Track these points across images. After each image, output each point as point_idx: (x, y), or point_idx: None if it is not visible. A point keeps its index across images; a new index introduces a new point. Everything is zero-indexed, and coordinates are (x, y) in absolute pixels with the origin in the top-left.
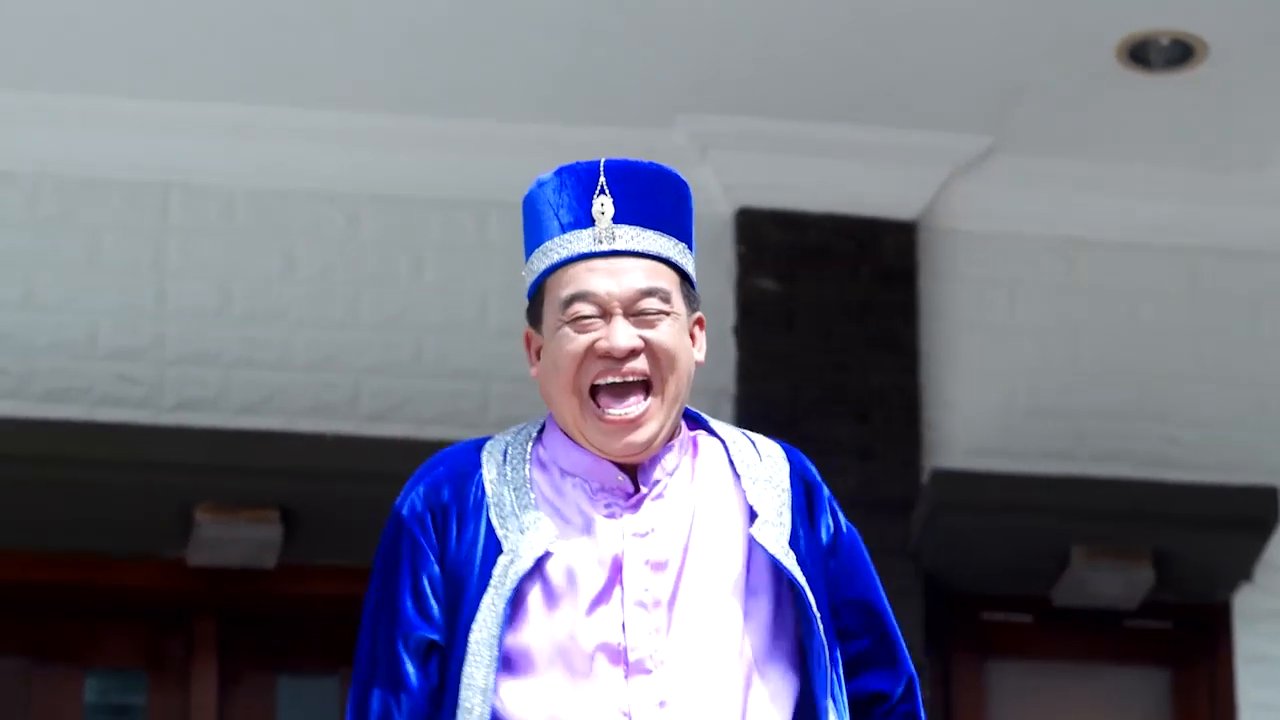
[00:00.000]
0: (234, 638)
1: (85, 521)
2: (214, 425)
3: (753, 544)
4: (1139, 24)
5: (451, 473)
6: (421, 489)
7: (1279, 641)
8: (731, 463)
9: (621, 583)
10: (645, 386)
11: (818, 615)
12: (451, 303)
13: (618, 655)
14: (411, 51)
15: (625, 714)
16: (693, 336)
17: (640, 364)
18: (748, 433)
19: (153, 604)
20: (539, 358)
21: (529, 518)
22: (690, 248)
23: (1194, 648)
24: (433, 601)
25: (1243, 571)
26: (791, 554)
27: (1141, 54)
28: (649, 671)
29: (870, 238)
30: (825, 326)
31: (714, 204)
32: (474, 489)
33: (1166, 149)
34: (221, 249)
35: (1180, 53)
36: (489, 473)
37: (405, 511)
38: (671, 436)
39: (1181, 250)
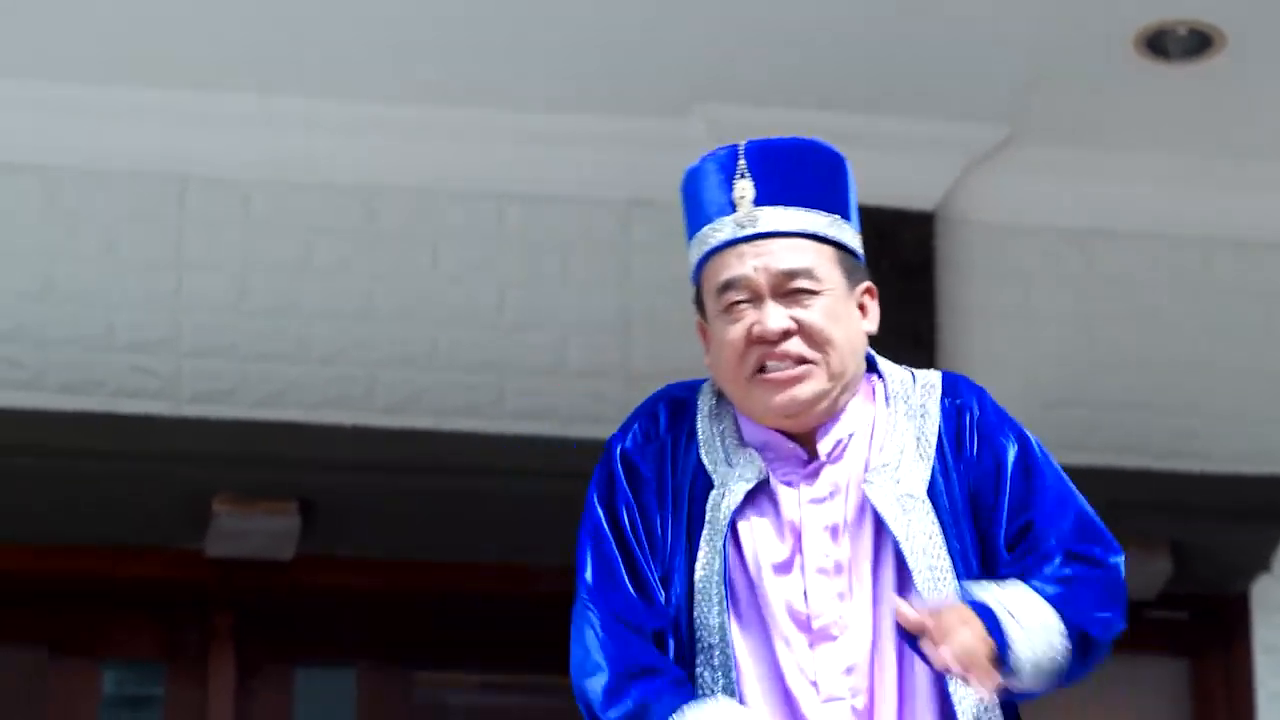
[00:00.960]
0: (251, 629)
1: (102, 513)
2: (231, 417)
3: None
4: (1156, 13)
5: (670, 413)
6: (639, 425)
7: None
8: (887, 400)
9: (801, 550)
10: (802, 362)
11: (914, 566)
12: (468, 295)
13: (803, 623)
14: (428, 43)
15: (813, 683)
16: (863, 308)
17: (795, 345)
18: (912, 369)
19: (170, 595)
20: (709, 346)
21: (737, 455)
22: (846, 217)
23: (1211, 638)
24: (645, 565)
25: (1260, 562)
26: (913, 498)
27: (1159, 44)
28: (834, 638)
29: (888, 229)
30: None
31: None
32: (688, 424)
33: (1184, 139)
34: (238, 241)
35: (1198, 42)
36: (702, 409)
37: (627, 445)
38: (841, 405)
39: (1199, 241)
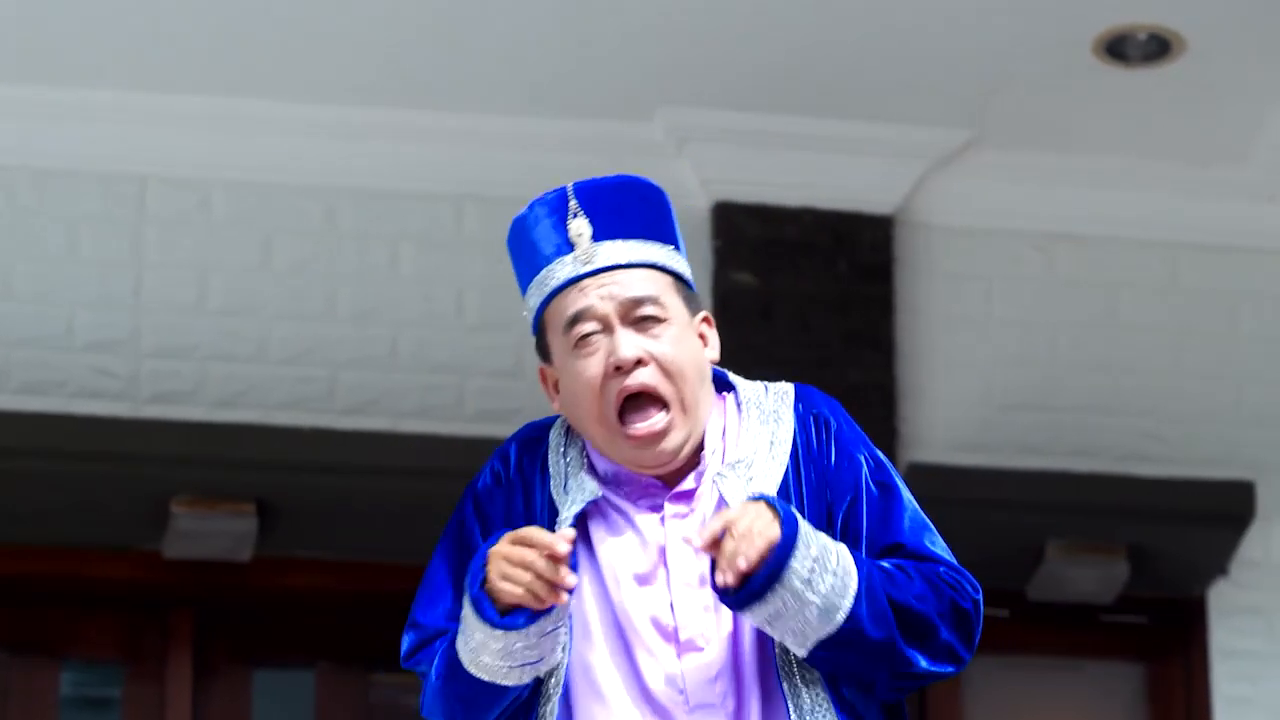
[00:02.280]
0: (210, 630)
1: (61, 514)
2: (190, 418)
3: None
4: (1116, 18)
5: (520, 450)
6: (494, 464)
7: (1254, 636)
8: (740, 408)
9: (666, 565)
10: (660, 401)
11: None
12: (429, 296)
13: (669, 634)
14: (390, 45)
15: (682, 691)
16: (703, 337)
17: (648, 376)
18: (766, 383)
19: (129, 596)
20: (558, 391)
21: (573, 482)
22: (678, 249)
23: (1169, 642)
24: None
25: (1218, 566)
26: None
27: (1119, 48)
28: (700, 649)
29: (848, 232)
30: (802, 321)
31: (691, 198)
32: (539, 461)
33: (1145, 143)
34: (199, 242)
35: (1158, 47)
36: (553, 445)
37: (479, 486)
38: (699, 439)
39: (1160, 245)
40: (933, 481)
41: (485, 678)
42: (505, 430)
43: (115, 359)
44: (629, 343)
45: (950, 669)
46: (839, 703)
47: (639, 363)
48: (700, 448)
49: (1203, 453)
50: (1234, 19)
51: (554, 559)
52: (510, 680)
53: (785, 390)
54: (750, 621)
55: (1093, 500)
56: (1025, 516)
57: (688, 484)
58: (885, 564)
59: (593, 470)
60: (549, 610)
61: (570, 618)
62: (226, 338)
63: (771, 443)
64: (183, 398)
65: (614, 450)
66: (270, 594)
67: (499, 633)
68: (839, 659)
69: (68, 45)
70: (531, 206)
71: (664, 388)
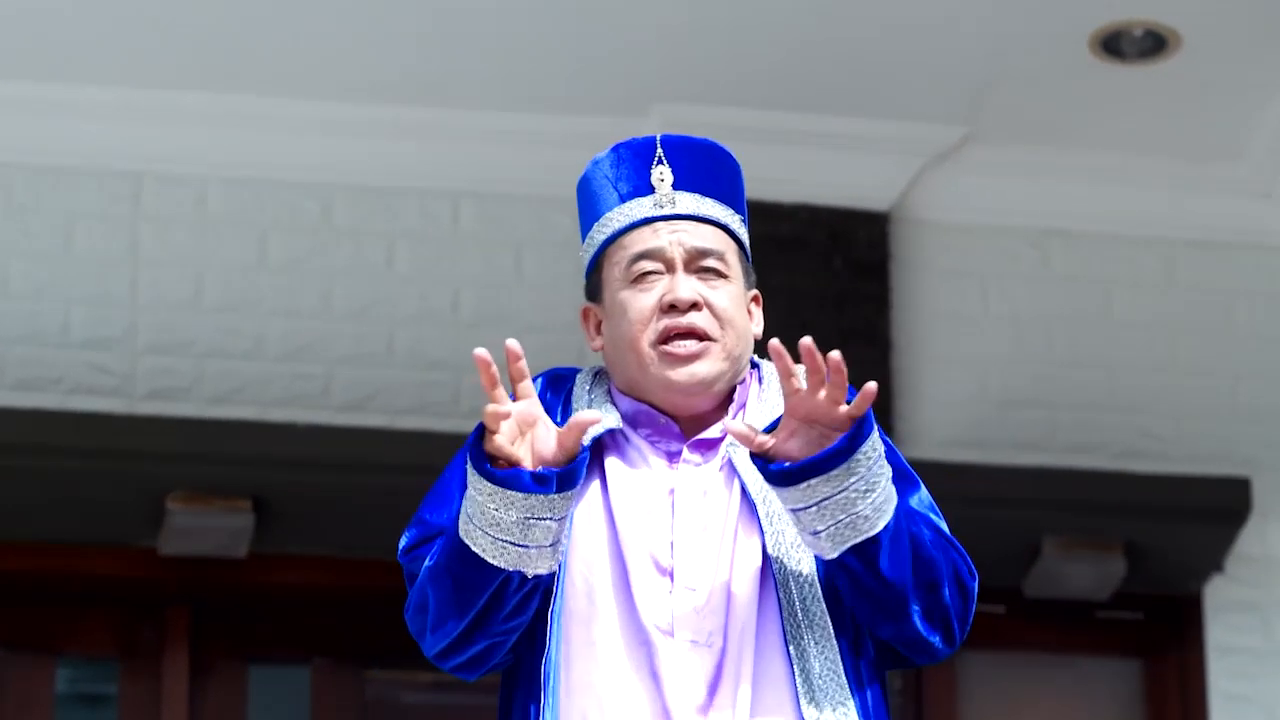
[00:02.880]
0: (205, 627)
1: (57, 510)
2: (186, 415)
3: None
4: (1112, 14)
5: (548, 382)
6: (513, 395)
7: (1249, 633)
8: (760, 382)
9: (674, 508)
10: (704, 339)
11: (767, 529)
12: (424, 293)
13: (665, 571)
14: (386, 41)
15: (671, 625)
16: (749, 313)
17: (702, 319)
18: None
19: (124, 593)
20: (599, 332)
21: (603, 411)
22: (745, 221)
23: (1165, 639)
24: None
25: (1214, 563)
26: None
27: (1115, 45)
28: (693, 590)
29: (843, 228)
30: (798, 317)
31: None
32: (564, 394)
33: (1140, 140)
34: (194, 238)
35: (1153, 43)
36: (578, 389)
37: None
38: (730, 397)
39: (1155, 241)
40: (928, 478)
41: (475, 550)
42: None
43: (111, 355)
44: (687, 286)
45: (939, 640)
46: (851, 672)
47: (694, 306)
48: (728, 403)
49: (1199, 449)
50: (1230, 15)
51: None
52: (498, 559)
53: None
54: (796, 502)
55: (1089, 497)
56: (1021, 513)
57: (712, 432)
58: (911, 509)
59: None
60: (546, 487)
61: (568, 543)
62: (222, 334)
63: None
64: (179, 394)
65: (651, 373)
66: (266, 590)
67: (490, 487)
68: (860, 580)
69: (63, 42)
70: (615, 149)
71: (713, 331)
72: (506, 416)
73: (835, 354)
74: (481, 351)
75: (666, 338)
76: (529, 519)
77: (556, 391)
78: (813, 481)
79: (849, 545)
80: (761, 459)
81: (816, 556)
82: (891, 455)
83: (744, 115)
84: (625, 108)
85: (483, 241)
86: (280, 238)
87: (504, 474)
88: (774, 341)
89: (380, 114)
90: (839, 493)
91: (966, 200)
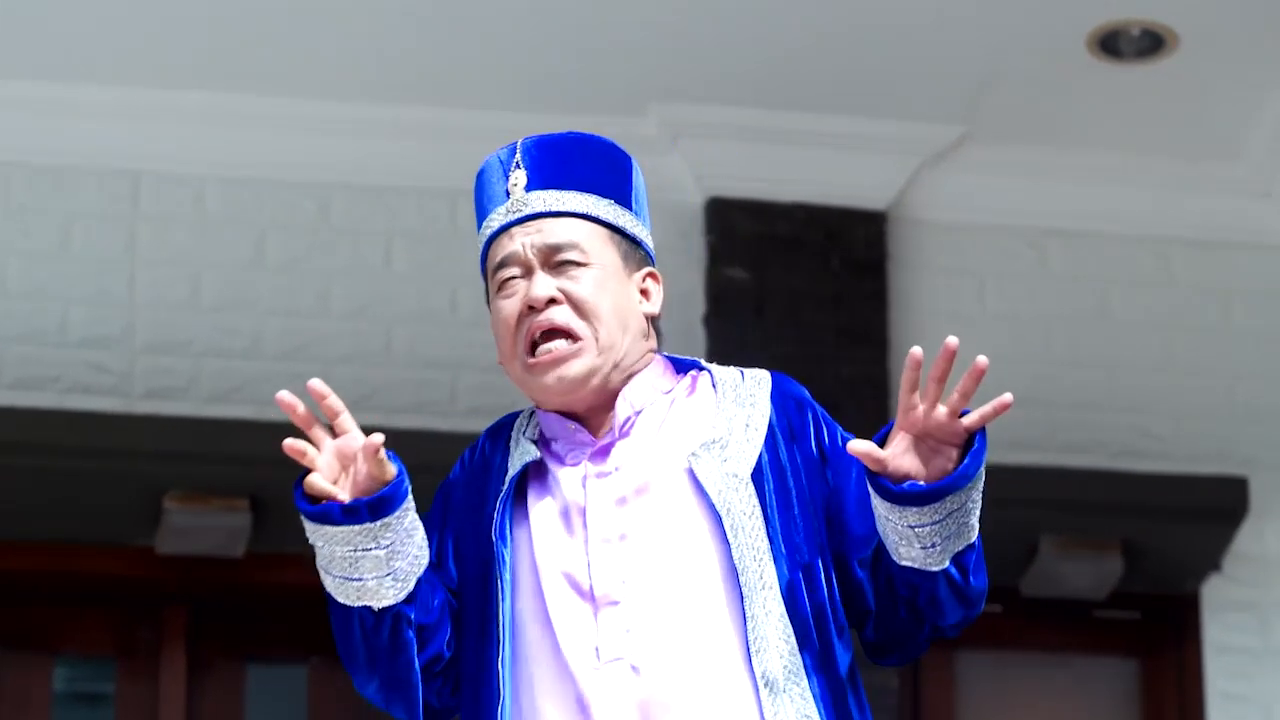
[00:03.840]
0: (203, 626)
1: (55, 509)
2: (184, 414)
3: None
4: (1109, 14)
5: (489, 438)
6: (463, 457)
7: (1247, 632)
8: (714, 388)
9: (585, 523)
10: (569, 335)
11: (733, 541)
12: (422, 292)
13: (585, 593)
14: (383, 40)
15: (595, 648)
16: (645, 293)
17: (561, 314)
18: (742, 369)
19: (122, 592)
20: None
21: (518, 451)
22: (628, 206)
23: (1162, 638)
24: (450, 560)
25: (1211, 562)
26: (737, 478)
27: (1112, 44)
28: (615, 603)
29: (841, 227)
30: (795, 316)
31: (684, 193)
32: (504, 445)
33: (1138, 139)
34: (193, 238)
35: (1151, 42)
36: (517, 428)
37: (450, 478)
38: (625, 380)
39: (1153, 240)
40: None
41: (329, 591)
42: None
43: (109, 355)
44: (543, 283)
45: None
46: (822, 683)
47: (551, 301)
48: (622, 392)
49: (1196, 448)
50: (1227, 15)
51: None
52: (342, 597)
53: (762, 376)
54: (914, 520)
55: (1086, 496)
56: (1018, 512)
57: (605, 440)
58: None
59: (544, 441)
60: (357, 518)
61: (509, 593)
62: (220, 333)
63: (747, 425)
64: (176, 393)
65: (529, 385)
66: (263, 589)
67: (311, 525)
68: (959, 582)
69: (62, 42)
70: (486, 160)
71: (576, 325)
72: (302, 454)
73: (981, 359)
74: (283, 394)
75: (532, 346)
76: (354, 551)
77: (496, 440)
78: (946, 500)
79: (954, 554)
80: (884, 478)
81: (793, 570)
82: None
83: (742, 114)
84: (623, 107)
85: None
86: (278, 237)
87: (315, 510)
88: (915, 350)
89: (378, 114)
90: (960, 507)
91: (964, 200)
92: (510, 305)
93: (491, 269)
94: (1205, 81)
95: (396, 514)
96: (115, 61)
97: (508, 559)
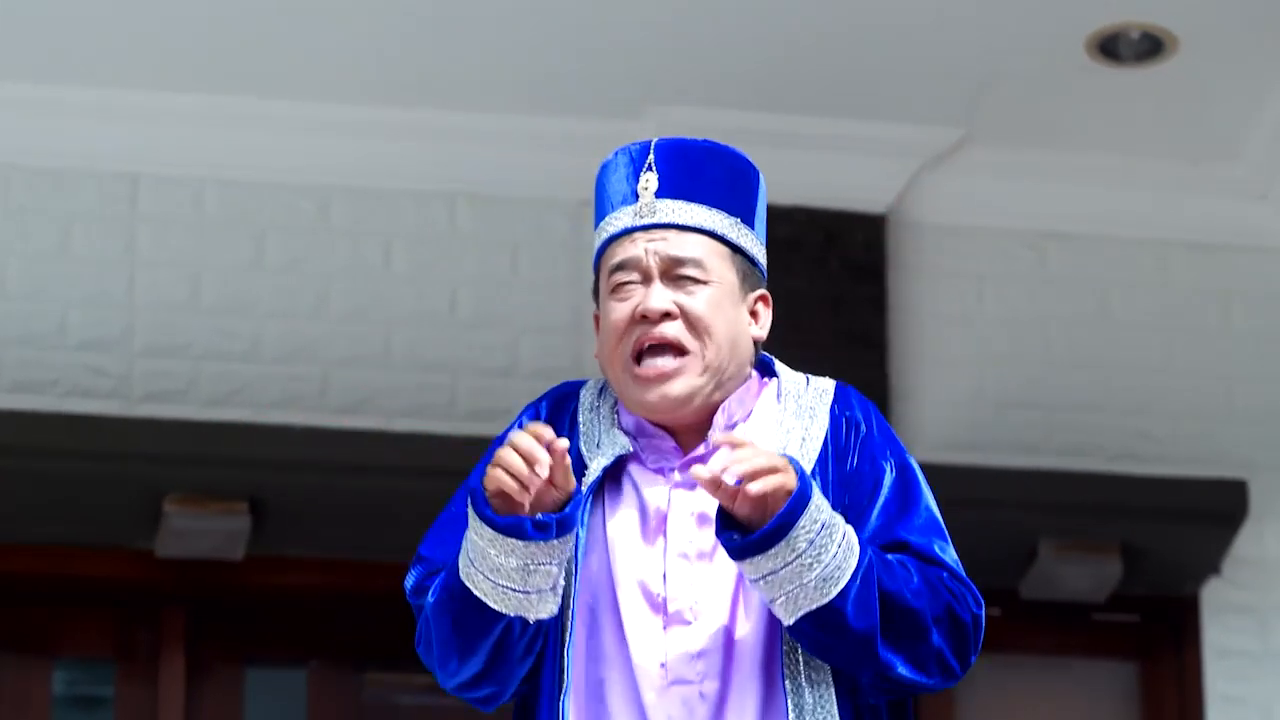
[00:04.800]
0: (202, 629)
1: (54, 512)
2: (183, 417)
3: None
4: (1109, 17)
5: (552, 404)
6: (524, 419)
7: (1246, 635)
8: (779, 398)
9: (665, 534)
10: (680, 351)
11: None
12: (422, 295)
13: (658, 605)
14: (382, 42)
15: (662, 665)
16: (754, 314)
17: (673, 329)
18: (810, 375)
19: (121, 595)
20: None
21: (605, 438)
22: (749, 224)
23: (1162, 641)
24: None
25: (1211, 565)
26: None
27: (1111, 47)
28: (688, 623)
29: (840, 230)
30: (794, 319)
31: None
32: (568, 417)
33: (1137, 141)
34: (191, 240)
35: (1150, 45)
36: (584, 403)
37: (504, 436)
38: (716, 401)
39: (1152, 243)
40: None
41: (476, 594)
42: (497, 429)
43: (108, 357)
44: (660, 295)
45: (936, 681)
46: (846, 707)
47: (666, 315)
48: (719, 411)
49: (1195, 451)
50: (1226, 18)
51: (538, 439)
52: (499, 605)
53: (826, 387)
54: (747, 574)
55: (1085, 499)
56: (1017, 515)
57: (698, 451)
58: (889, 556)
59: (616, 424)
60: (546, 534)
61: (576, 577)
62: (219, 336)
63: (804, 439)
64: (175, 396)
65: (627, 392)
66: (263, 592)
67: (491, 533)
68: (822, 641)
69: (61, 43)
70: (616, 153)
71: (687, 341)
72: (527, 468)
73: (711, 469)
74: (563, 443)
75: (639, 355)
76: (529, 565)
77: (561, 412)
78: (755, 559)
79: (803, 613)
80: (720, 524)
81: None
82: (900, 478)
83: (740, 117)
84: (621, 109)
85: (480, 242)
86: (277, 239)
87: (506, 521)
88: (696, 468)
89: (377, 115)
90: (784, 566)
91: (963, 202)
92: (623, 309)
93: (608, 268)
94: (1204, 84)
95: (574, 531)
96: (114, 63)
97: (583, 543)
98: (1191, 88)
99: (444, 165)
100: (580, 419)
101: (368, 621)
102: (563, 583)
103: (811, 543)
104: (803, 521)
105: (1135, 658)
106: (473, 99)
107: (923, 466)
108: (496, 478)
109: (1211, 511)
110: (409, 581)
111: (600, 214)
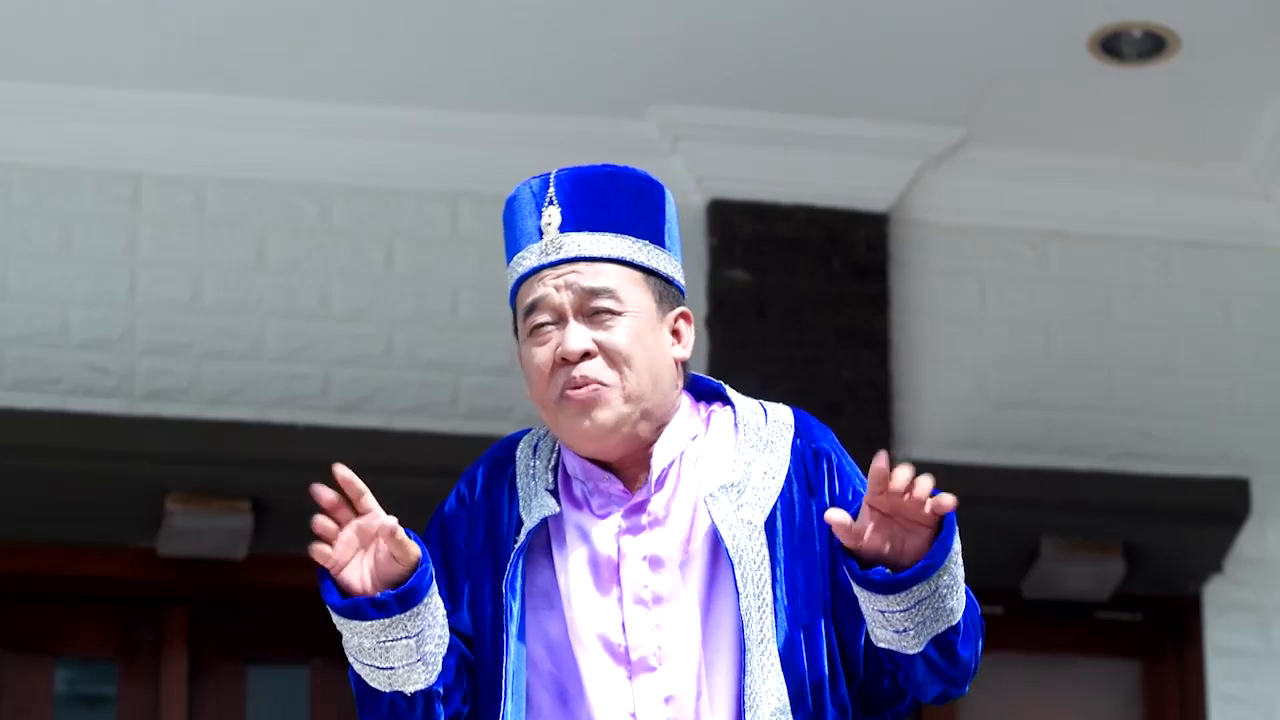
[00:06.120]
0: (204, 627)
1: (56, 511)
2: (185, 415)
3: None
4: (1111, 16)
5: (488, 472)
6: (461, 487)
7: (1248, 634)
8: (735, 427)
9: (619, 582)
10: (601, 383)
11: (742, 590)
12: (423, 294)
13: (620, 655)
14: (383, 42)
15: (631, 714)
16: (677, 334)
17: (594, 368)
18: (764, 403)
19: (123, 593)
20: None
21: (537, 502)
22: (662, 244)
23: (1164, 640)
24: (465, 602)
25: (1213, 564)
26: (751, 525)
27: (1114, 46)
28: (653, 669)
29: (842, 229)
30: (796, 318)
31: (686, 195)
32: (506, 483)
33: (1139, 141)
34: (193, 239)
35: (1152, 44)
36: (520, 466)
37: (446, 510)
38: (657, 430)
39: (1153, 242)
40: None
41: (359, 672)
42: (499, 428)
43: (110, 356)
44: (578, 335)
45: (957, 693)
46: None
47: (586, 355)
48: (656, 444)
49: (1197, 450)
50: (1229, 17)
51: (328, 506)
52: (373, 682)
53: (785, 420)
54: (893, 605)
55: (1087, 498)
56: (1020, 514)
57: (640, 496)
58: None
59: (564, 481)
60: (386, 611)
61: (515, 640)
62: (221, 335)
63: (765, 471)
64: (177, 395)
65: (560, 426)
66: (265, 591)
67: (338, 618)
68: (937, 663)
69: (62, 43)
70: (518, 189)
71: (607, 378)
72: (326, 557)
73: (923, 493)
74: (319, 487)
75: (564, 389)
76: (384, 642)
77: (499, 478)
78: (914, 589)
79: (932, 636)
80: (853, 560)
81: (794, 628)
82: None
83: (742, 116)
84: (623, 109)
85: (481, 242)
86: (279, 239)
87: (344, 604)
88: (878, 462)
89: (379, 115)
90: (933, 593)
91: (965, 201)
92: (543, 354)
93: (522, 309)
94: (1206, 84)
95: (423, 601)
96: (116, 63)
97: (516, 613)
98: (1194, 87)
99: (445, 165)
100: (518, 484)
101: None
102: (437, 650)
103: (958, 565)
104: (954, 545)
105: (1137, 656)
106: (474, 99)
107: (924, 465)
108: (316, 551)
109: (1213, 510)
110: None
111: (509, 253)
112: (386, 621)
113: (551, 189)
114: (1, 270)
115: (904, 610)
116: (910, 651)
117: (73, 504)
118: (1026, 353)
